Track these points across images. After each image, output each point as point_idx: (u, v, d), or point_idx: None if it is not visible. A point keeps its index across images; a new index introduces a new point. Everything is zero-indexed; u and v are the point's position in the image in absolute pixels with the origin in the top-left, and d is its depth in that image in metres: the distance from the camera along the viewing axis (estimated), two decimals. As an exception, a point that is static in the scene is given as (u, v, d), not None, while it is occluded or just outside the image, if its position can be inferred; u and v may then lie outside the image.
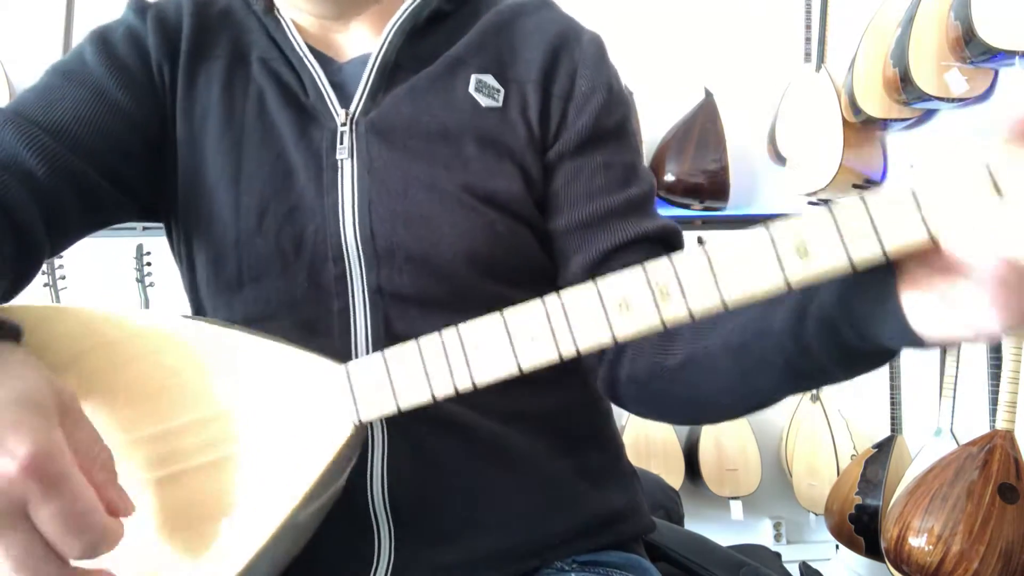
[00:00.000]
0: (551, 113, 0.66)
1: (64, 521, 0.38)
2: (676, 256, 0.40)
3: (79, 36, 0.67)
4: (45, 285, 2.02)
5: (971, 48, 1.55)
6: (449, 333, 0.44)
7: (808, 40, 2.25)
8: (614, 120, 0.67)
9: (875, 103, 1.91)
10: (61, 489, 0.38)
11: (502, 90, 0.66)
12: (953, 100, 1.73)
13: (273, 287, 0.62)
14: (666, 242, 0.66)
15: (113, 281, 2.12)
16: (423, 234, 0.61)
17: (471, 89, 0.65)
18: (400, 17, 0.66)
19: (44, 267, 2.03)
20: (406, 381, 0.44)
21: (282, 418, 0.47)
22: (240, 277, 0.63)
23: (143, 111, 0.65)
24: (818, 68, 2.18)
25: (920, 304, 0.37)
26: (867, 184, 2.02)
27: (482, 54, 0.67)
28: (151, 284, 2.07)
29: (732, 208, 2.31)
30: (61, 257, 2.04)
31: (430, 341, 0.44)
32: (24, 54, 2.16)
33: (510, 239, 0.64)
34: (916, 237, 0.36)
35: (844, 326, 0.42)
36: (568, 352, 0.42)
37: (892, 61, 1.80)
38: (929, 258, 0.37)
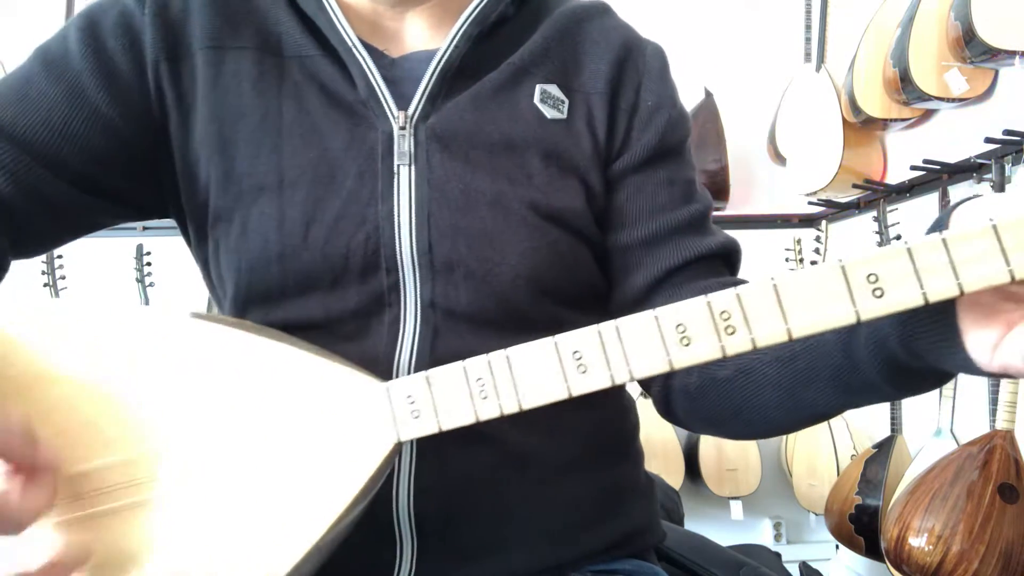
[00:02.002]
0: (617, 126, 0.65)
1: None
2: (742, 289, 0.39)
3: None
4: (45, 285, 2.02)
5: (971, 48, 1.55)
6: (496, 356, 0.43)
7: (808, 40, 2.25)
8: (678, 137, 0.66)
9: (875, 103, 1.91)
10: None
11: (567, 101, 0.64)
12: (953, 100, 1.73)
13: (321, 299, 0.59)
14: (726, 259, 0.65)
15: (113, 281, 2.12)
16: (486, 253, 0.58)
17: (536, 100, 0.63)
18: (466, 21, 0.63)
19: (44, 267, 2.03)
20: (449, 401, 0.43)
21: (319, 434, 0.46)
22: (284, 289, 0.59)
23: (126, 116, 0.60)
24: (818, 68, 2.18)
25: (984, 332, 0.36)
26: (867, 184, 2.02)
27: (547, 63, 0.65)
28: (151, 284, 2.07)
29: (732, 208, 2.31)
30: (61, 257, 2.04)
31: (476, 363, 0.43)
32: (24, 54, 2.16)
33: (572, 260, 0.62)
34: (997, 276, 0.35)
35: (895, 344, 0.40)
36: (621, 379, 0.41)
37: (892, 61, 1.80)
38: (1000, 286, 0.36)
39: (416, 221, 0.58)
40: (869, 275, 0.37)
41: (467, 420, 0.43)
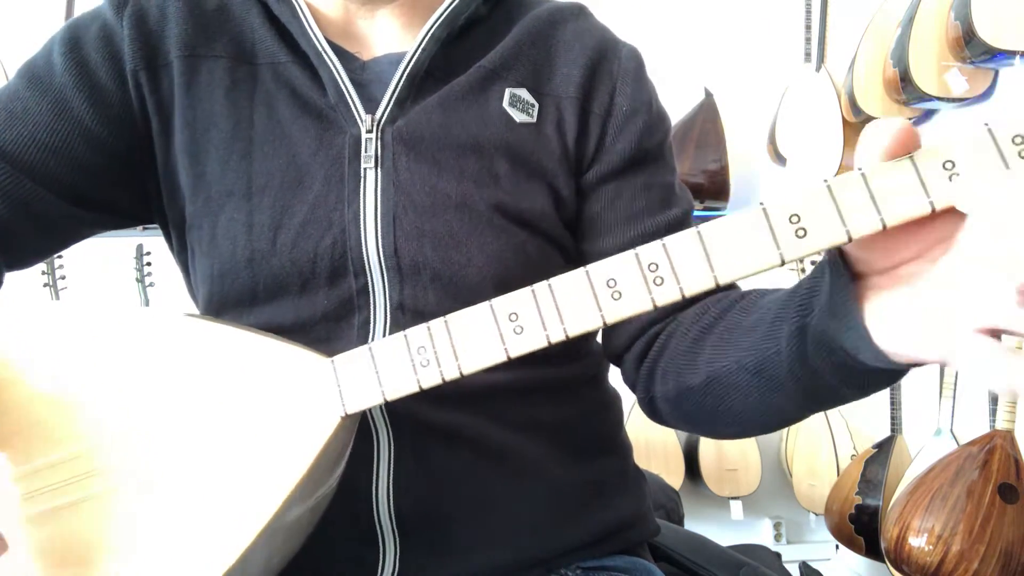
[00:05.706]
0: (589, 131, 0.64)
1: None
2: (668, 239, 0.40)
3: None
4: (45, 285, 2.02)
5: (971, 48, 1.55)
6: (436, 323, 0.44)
7: (808, 40, 2.25)
8: (655, 141, 0.66)
9: (875, 103, 1.91)
10: None
11: (536, 105, 0.64)
12: (953, 100, 1.73)
13: (291, 304, 0.59)
14: None
15: (113, 281, 2.12)
16: (452, 255, 0.58)
17: (505, 103, 0.63)
18: (435, 23, 0.62)
19: (44, 267, 2.03)
20: (392, 371, 0.45)
21: (268, 413, 0.46)
22: (254, 295, 0.60)
23: (110, 127, 0.61)
24: (818, 68, 2.18)
25: (886, 319, 0.37)
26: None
27: (517, 66, 0.64)
28: (151, 284, 2.07)
29: (732, 208, 2.31)
30: (61, 257, 2.04)
31: (417, 332, 0.45)
32: (24, 54, 2.16)
33: (539, 261, 0.62)
34: (918, 208, 0.35)
35: (836, 347, 0.41)
36: (557, 337, 0.42)
37: (892, 61, 1.80)
38: (893, 265, 0.37)
39: (382, 224, 0.58)
40: (791, 216, 0.37)
41: (410, 389, 0.44)
